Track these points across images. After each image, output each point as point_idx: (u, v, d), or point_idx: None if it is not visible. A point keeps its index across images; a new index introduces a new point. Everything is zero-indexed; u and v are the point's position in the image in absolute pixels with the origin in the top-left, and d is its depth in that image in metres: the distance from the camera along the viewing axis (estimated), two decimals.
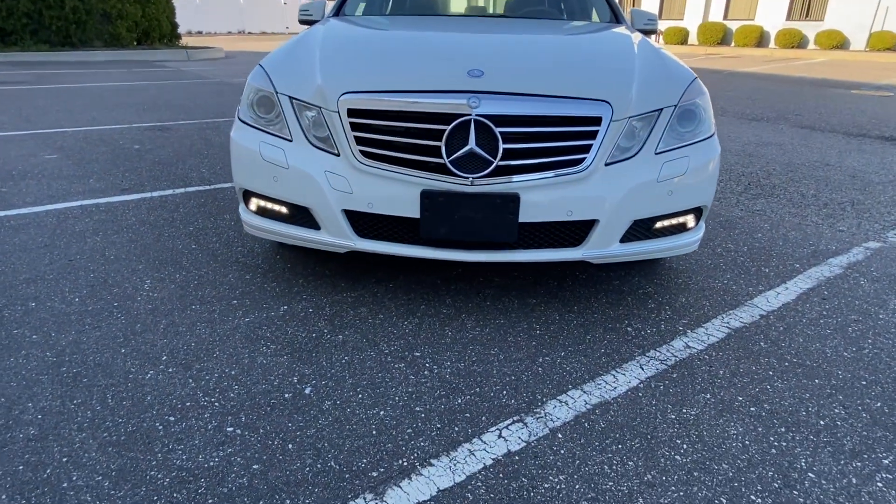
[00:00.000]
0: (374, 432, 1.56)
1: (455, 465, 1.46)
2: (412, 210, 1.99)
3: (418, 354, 1.93)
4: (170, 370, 1.81)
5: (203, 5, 33.59)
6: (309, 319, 2.14)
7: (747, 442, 1.58)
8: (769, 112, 8.02)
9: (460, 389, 1.76)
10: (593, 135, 1.97)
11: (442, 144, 1.92)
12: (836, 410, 1.72)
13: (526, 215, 1.98)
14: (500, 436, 1.56)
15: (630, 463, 1.49)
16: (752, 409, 1.72)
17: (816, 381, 1.86)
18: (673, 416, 1.66)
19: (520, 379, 1.82)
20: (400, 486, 1.39)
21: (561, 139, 1.95)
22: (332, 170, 2.03)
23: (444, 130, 1.91)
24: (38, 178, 3.91)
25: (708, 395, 1.77)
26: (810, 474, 1.47)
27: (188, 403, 1.66)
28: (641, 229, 2.11)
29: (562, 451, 1.51)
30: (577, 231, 2.06)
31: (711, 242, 3.05)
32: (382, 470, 1.44)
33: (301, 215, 2.13)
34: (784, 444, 1.58)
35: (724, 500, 1.38)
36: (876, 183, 4.45)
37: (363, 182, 2.01)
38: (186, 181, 3.94)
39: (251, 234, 2.29)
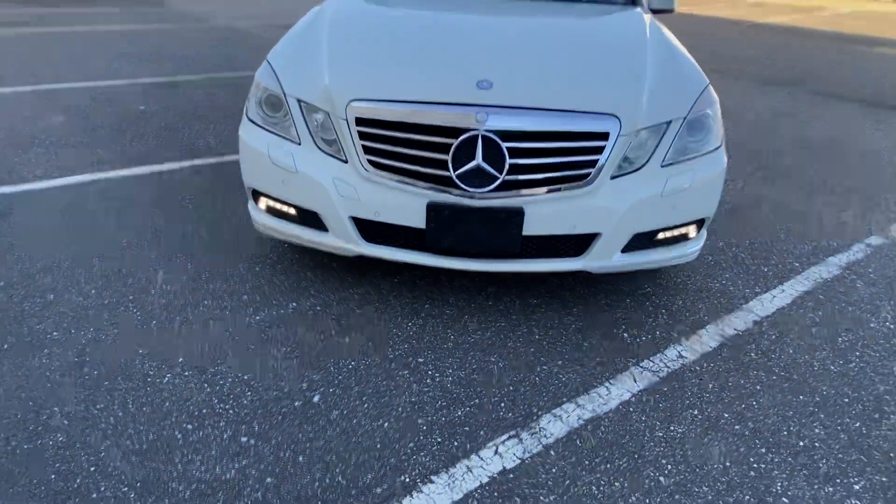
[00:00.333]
0: (378, 446, 1.67)
1: (453, 482, 1.57)
2: (418, 220, 2.03)
3: (421, 361, 2.02)
4: (186, 374, 1.91)
5: None
6: (318, 319, 2.22)
7: (728, 463, 1.68)
8: (787, 75, 7.81)
9: (461, 400, 1.85)
10: (600, 150, 1.98)
11: (449, 158, 1.94)
12: (816, 430, 1.81)
13: (530, 228, 2.02)
14: (496, 452, 1.67)
15: (616, 484, 1.59)
16: (736, 426, 1.81)
17: (801, 397, 1.95)
18: (660, 434, 1.76)
19: (517, 390, 1.91)
20: None
21: (567, 154, 1.97)
22: (340, 177, 2.06)
23: (452, 144, 1.93)
24: (47, 145, 3.92)
25: (696, 412, 1.86)
26: (784, 499, 1.58)
27: (204, 410, 1.76)
28: (643, 240, 2.15)
29: (553, 470, 1.62)
30: (579, 243, 2.10)
31: (714, 236, 3.08)
32: (386, 486, 1.55)
33: (309, 217, 2.17)
34: (763, 466, 1.68)
35: None
36: (888, 165, 4.41)
37: (370, 190, 2.04)
38: (194, 151, 3.95)
39: (260, 231, 2.34)
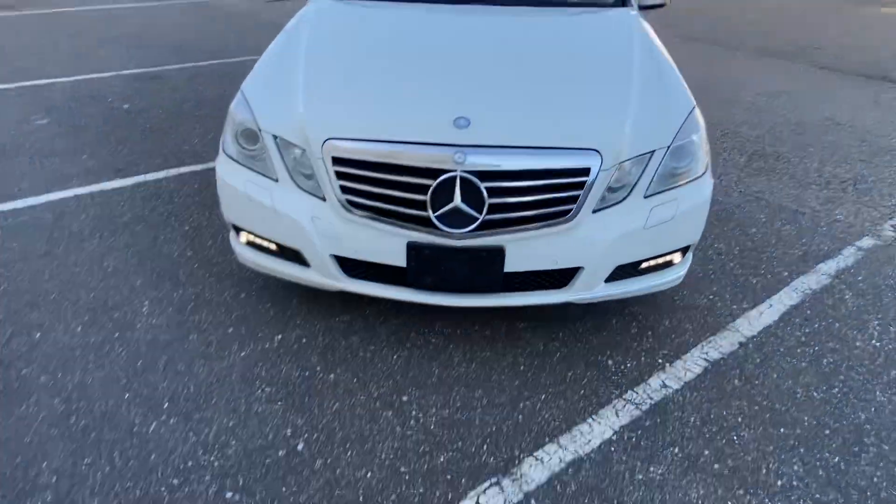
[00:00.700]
0: (361, 499, 1.70)
1: None
2: (399, 259, 2.01)
3: (405, 399, 2.04)
4: (171, 421, 1.93)
5: None
6: (302, 353, 2.23)
7: None
8: (788, 45, 7.62)
9: (443, 444, 1.87)
10: (581, 185, 1.94)
11: (427, 199, 1.90)
12: (795, 468, 1.83)
13: (511, 265, 2.00)
14: (477, 502, 1.69)
15: None
16: (715, 465, 1.83)
17: (782, 430, 1.97)
18: (640, 477, 1.79)
19: (500, 430, 1.93)
20: None
21: (548, 191, 1.93)
22: (319, 215, 2.03)
23: (430, 186, 1.89)
24: (31, 153, 3.87)
25: (676, 449, 1.88)
26: None
27: (190, 463, 1.78)
28: (627, 269, 2.13)
29: None
30: (563, 276, 2.08)
31: (704, 242, 3.05)
32: None
33: (290, 253, 2.16)
34: None
35: None
36: (885, 150, 4.34)
37: (349, 230, 2.02)
38: (180, 157, 3.90)
39: (243, 263, 2.32)
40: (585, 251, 2.02)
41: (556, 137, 1.94)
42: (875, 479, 1.80)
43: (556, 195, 1.94)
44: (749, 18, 9.43)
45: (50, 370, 2.12)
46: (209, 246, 2.90)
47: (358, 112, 2.03)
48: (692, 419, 2.00)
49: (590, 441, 1.90)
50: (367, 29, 2.60)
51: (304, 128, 2.02)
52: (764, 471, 1.82)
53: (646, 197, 2.05)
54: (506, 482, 1.76)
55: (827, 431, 1.97)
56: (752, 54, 7.13)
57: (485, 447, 1.87)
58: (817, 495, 1.75)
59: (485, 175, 1.89)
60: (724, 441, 1.92)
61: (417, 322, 2.41)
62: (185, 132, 4.33)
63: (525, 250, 1.99)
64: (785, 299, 2.63)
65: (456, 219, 1.92)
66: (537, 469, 1.80)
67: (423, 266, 2.00)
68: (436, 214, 1.92)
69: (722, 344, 2.34)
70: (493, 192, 1.90)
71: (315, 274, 2.14)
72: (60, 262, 2.74)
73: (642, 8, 3.21)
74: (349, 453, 1.84)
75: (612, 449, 1.88)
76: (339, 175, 1.97)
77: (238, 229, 2.25)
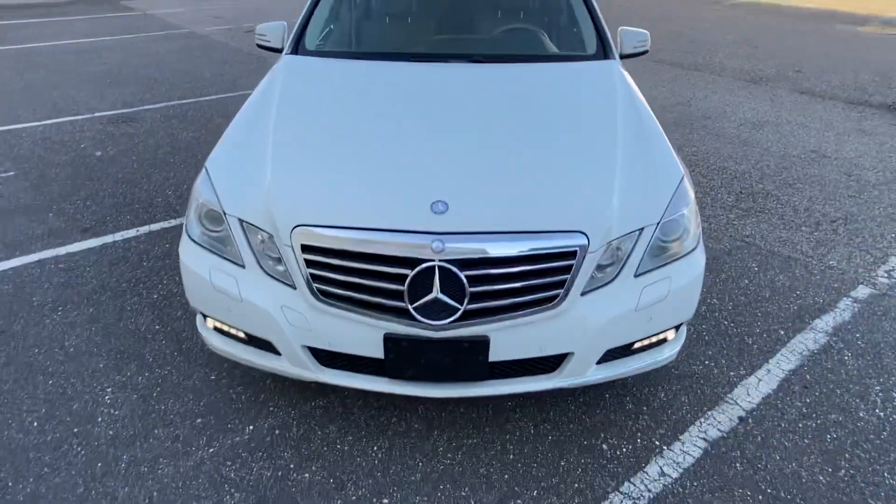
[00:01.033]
0: None
1: None
2: (376, 351, 1.88)
3: (386, 503, 1.89)
4: None
5: None
6: (275, 447, 2.08)
7: None
8: (769, 68, 7.64)
9: None
10: (567, 269, 1.82)
11: (405, 289, 1.78)
12: None
13: (497, 355, 1.87)
14: None
15: None
16: None
17: None
18: None
19: None
20: None
21: (533, 277, 1.81)
22: (289, 304, 1.90)
23: (407, 276, 1.77)
24: None
25: None
26: None
27: None
28: (619, 350, 2.01)
29: None
30: (552, 361, 1.96)
31: None
32: None
33: (261, 341, 2.01)
34: None
35: None
36: (872, 185, 4.29)
37: (322, 320, 1.88)
38: (151, 212, 3.75)
39: (212, 350, 2.18)
40: (575, 336, 1.89)
41: (539, 220, 1.82)
42: None
43: (541, 280, 1.82)
44: (728, 39, 9.47)
45: (1, 478, 1.95)
46: (178, 317, 2.75)
47: (329, 196, 1.90)
48: None
49: None
50: (338, 96, 2.47)
51: (271, 213, 1.89)
52: None
53: (636, 276, 1.93)
54: None
55: None
56: (735, 80, 7.12)
57: None
58: None
59: (465, 263, 1.77)
60: None
61: (399, 405, 2.27)
62: (158, 182, 4.18)
63: (511, 338, 1.86)
64: (783, 363, 2.52)
65: (436, 309, 1.80)
66: None
67: (402, 358, 1.87)
68: (414, 306, 1.79)
69: (720, 420, 2.23)
70: (474, 280, 1.78)
71: (287, 364, 2.00)
72: (18, 343, 2.57)
73: (624, 57, 3.14)
74: None
75: None
76: (310, 263, 1.84)
77: (205, 315, 2.11)
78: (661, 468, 2.03)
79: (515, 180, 1.94)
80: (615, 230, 1.87)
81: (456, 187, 1.88)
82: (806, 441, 2.14)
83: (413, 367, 1.88)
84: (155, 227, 3.57)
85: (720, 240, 3.52)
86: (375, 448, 2.09)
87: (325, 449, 2.08)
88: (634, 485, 1.96)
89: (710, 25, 10.70)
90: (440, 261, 1.75)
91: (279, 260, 1.91)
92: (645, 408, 2.28)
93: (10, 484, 1.94)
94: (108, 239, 3.42)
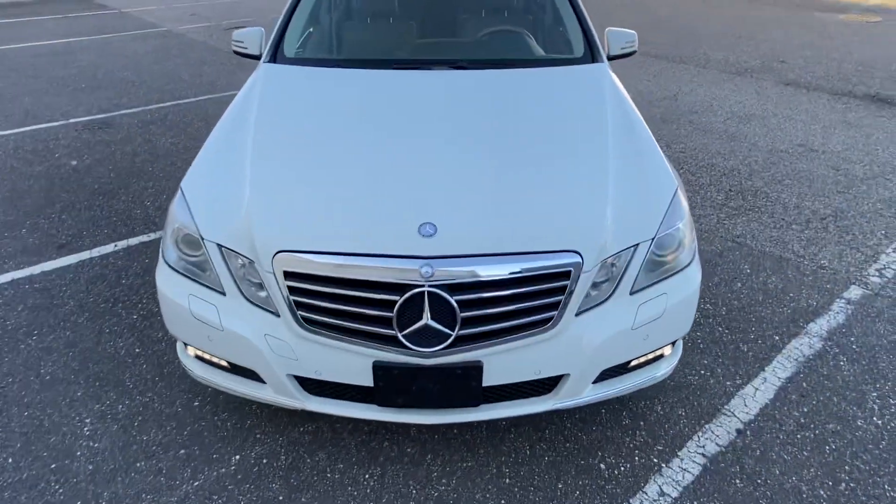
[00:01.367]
0: None
1: None
2: (365, 379, 1.81)
3: None
4: None
5: None
6: (263, 477, 2.01)
7: None
8: (753, 59, 7.62)
9: None
10: (562, 290, 1.76)
11: (393, 316, 1.70)
12: None
13: (490, 379, 1.81)
14: None
15: None
16: None
17: None
18: None
19: None
20: None
21: (527, 299, 1.74)
22: (273, 333, 1.82)
23: (396, 302, 1.69)
24: None
25: None
26: None
27: None
28: (615, 368, 1.96)
29: None
30: (546, 383, 1.90)
31: None
32: None
33: (244, 370, 1.93)
34: None
35: None
36: (860, 179, 4.28)
37: (308, 349, 1.81)
38: (130, 225, 3.63)
39: (193, 378, 2.09)
40: (571, 357, 1.84)
41: (531, 240, 1.76)
42: None
43: (535, 302, 1.75)
44: (712, 30, 9.45)
45: None
46: (159, 339, 2.66)
47: (311, 219, 1.81)
48: None
49: None
50: (319, 110, 2.36)
51: (251, 237, 1.80)
52: None
53: (632, 293, 1.87)
54: None
55: None
56: (720, 73, 7.09)
57: None
58: None
59: (456, 287, 1.70)
60: None
61: (390, 429, 2.20)
62: (136, 193, 4.05)
63: (505, 363, 1.80)
64: (779, 371, 2.49)
65: (426, 336, 1.73)
66: None
67: (393, 386, 1.80)
68: (403, 333, 1.72)
69: (718, 433, 2.19)
70: (465, 304, 1.71)
71: (272, 393, 1.92)
72: None
73: (611, 58, 3.07)
74: None
75: None
76: (293, 290, 1.76)
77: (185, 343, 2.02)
78: (660, 487, 1.98)
79: (505, 198, 1.86)
80: (610, 247, 1.81)
81: (444, 208, 1.81)
82: (805, 454, 2.11)
83: (404, 394, 1.81)
84: (133, 241, 3.46)
85: (711, 241, 3.48)
86: (367, 476, 2.02)
87: (315, 478, 2.01)
88: None
89: (692, 16, 10.67)
90: (429, 287, 1.68)
91: (261, 286, 1.83)
92: (642, 423, 2.23)
93: None
94: (85, 255, 3.31)
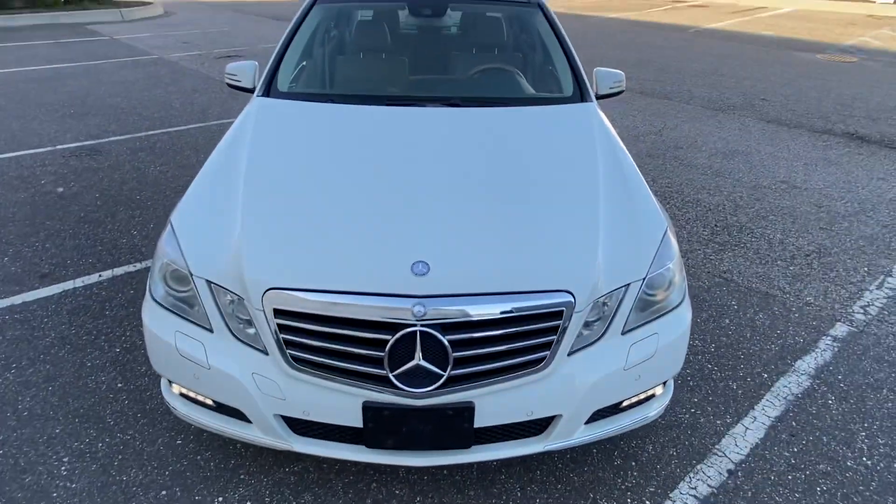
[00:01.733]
0: None
1: None
2: (354, 420, 1.78)
3: None
4: None
5: None
6: None
7: None
8: (736, 96, 7.81)
9: None
10: (554, 329, 1.76)
11: (385, 356, 1.69)
12: None
13: (482, 421, 1.79)
14: None
15: None
16: None
17: None
18: None
19: None
20: None
21: (519, 339, 1.74)
22: (261, 371, 1.79)
23: (387, 341, 1.68)
24: None
25: None
26: None
27: None
28: (608, 408, 1.94)
29: None
30: (538, 424, 1.88)
31: None
32: None
33: (230, 409, 1.89)
34: None
35: None
36: (842, 216, 4.36)
37: (296, 388, 1.77)
38: (115, 254, 3.59)
39: (177, 416, 2.04)
40: (563, 398, 1.82)
41: (524, 279, 1.76)
42: None
43: (528, 342, 1.74)
44: (695, 68, 9.69)
45: None
46: (142, 374, 2.60)
47: (303, 257, 1.80)
48: None
49: None
50: (312, 146, 2.37)
51: (241, 274, 1.78)
52: None
53: (623, 333, 1.88)
54: None
55: None
56: (704, 109, 7.25)
57: None
58: None
59: (448, 327, 1.69)
60: None
61: (378, 469, 2.16)
62: (122, 222, 4.01)
63: (497, 403, 1.78)
64: (768, 409, 2.49)
65: (418, 376, 1.71)
66: None
67: (383, 427, 1.77)
68: (395, 373, 1.70)
69: (710, 474, 2.17)
70: (457, 344, 1.70)
71: (258, 433, 1.88)
72: None
73: (600, 97, 3.14)
74: None
75: None
76: (283, 328, 1.74)
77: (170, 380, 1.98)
78: None
79: (498, 238, 1.87)
80: (601, 287, 1.82)
81: (437, 246, 1.81)
82: (796, 496, 2.10)
83: (394, 436, 1.78)
84: (119, 270, 3.41)
85: (699, 276, 3.51)
86: None
87: None
88: None
89: (676, 53, 10.95)
90: (422, 326, 1.67)
91: (249, 323, 1.80)
92: (633, 463, 2.21)
93: None
94: (69, 285, 3.25)
